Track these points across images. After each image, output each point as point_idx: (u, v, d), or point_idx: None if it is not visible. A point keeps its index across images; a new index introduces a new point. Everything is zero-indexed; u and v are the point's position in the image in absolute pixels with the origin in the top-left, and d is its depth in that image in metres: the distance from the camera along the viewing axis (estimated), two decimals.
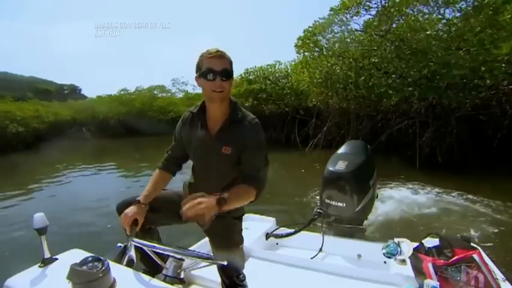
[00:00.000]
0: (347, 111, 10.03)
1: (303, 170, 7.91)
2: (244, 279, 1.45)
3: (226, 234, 1.40)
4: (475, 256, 1.45)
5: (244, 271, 1.49)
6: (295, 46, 10.32)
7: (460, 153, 7.72)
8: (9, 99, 21.96)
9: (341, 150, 2.68)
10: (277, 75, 14.22)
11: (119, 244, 1.35)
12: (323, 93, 10.28)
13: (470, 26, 6.73)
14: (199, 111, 1.37)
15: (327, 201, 2.42)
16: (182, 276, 1.21)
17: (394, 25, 8.31)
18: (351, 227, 2.38)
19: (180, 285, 1.17)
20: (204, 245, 1.91)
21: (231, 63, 1.26)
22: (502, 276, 1.56)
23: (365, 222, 2.58)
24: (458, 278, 1.41)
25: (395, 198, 4.98)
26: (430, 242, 1.72)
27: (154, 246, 1.18)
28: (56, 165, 9.72)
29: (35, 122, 15.45)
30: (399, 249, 1.78)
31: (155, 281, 1.07)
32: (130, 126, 18.66)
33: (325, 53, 9.51)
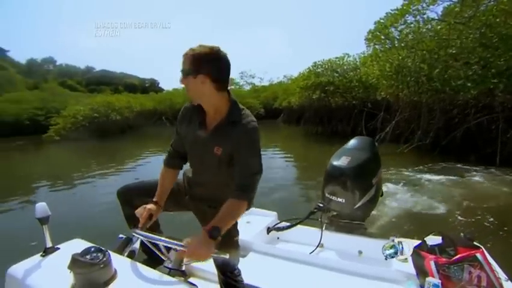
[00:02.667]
0: (419, 105, 9.50)
1: None
2: (239, 275, 1.42)
3: None
4: (478, 255, 1.42)
5: (245, 265, 1.47)
6: (365, 39, 10.15)
7: None
8: (108, 92, 26.37)
9: (347, 145, 2.62)
10: (345, 67, 13.99)
11: (120, 235, 1.34)
12: (393, 86, 9.91)
13: None
14: (199, 107, 1.30)
15: (328, 196, 2.39)
16: (183, 268, 1.21)
17: (482, 8, 7.56)
18: (351, 222, 2.37)
19: (181, 277, 1.16)
20: None
21: (193, 59, 1.16)
22: (505, 276, 1.53)
23: (368, 219, 2.52)
24: (460, 277, 1.39)
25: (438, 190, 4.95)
26: (433, 240, 1.71)
27: (156, 238, 1.17)
28: (143, 148, 11.57)
29: (126, 112, 18.26)
30: (399, 249, 1.82)
31: (156, 273, 1.07)
32: None
33: (396, 45, 9.15)
